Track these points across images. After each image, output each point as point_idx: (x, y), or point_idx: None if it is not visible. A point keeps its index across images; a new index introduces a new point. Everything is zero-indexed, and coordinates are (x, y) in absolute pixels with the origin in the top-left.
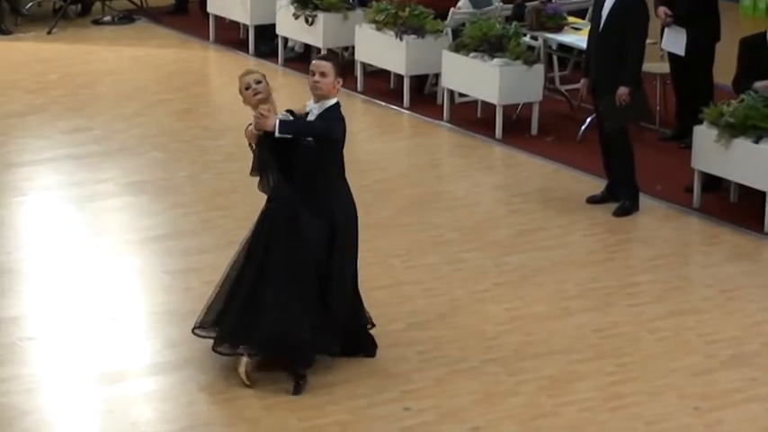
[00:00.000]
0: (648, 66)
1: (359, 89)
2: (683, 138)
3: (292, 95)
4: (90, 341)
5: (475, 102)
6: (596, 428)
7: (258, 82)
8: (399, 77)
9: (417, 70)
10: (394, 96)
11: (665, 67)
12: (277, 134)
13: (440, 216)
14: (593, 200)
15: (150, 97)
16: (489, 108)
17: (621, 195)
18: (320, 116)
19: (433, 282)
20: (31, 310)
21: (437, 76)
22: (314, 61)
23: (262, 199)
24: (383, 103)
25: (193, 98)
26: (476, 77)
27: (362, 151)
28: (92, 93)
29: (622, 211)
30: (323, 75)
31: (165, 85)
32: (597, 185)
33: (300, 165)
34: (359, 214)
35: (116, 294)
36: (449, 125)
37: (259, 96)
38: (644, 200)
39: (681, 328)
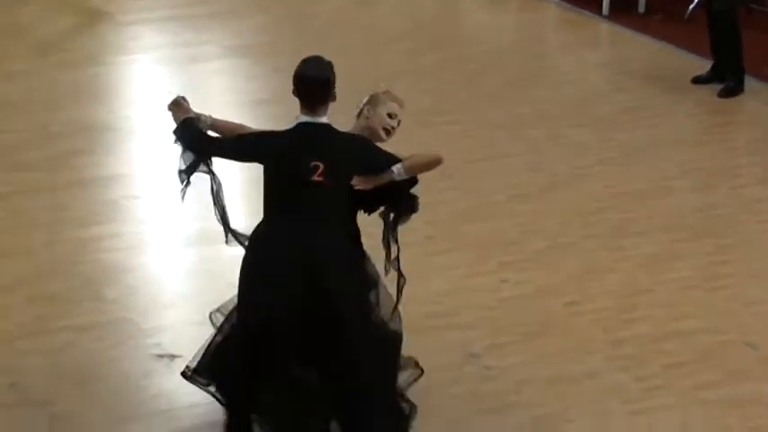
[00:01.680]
0: None
1: None
2: None
3: None
4: (191, 201)
5: None
6: (693, 307)
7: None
8: None
9: None
10: None
11: None
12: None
13: (544, 90)
14: (698, 80)
15: None
16: None
17: (727, 76)
18: None
19: (535, 155)
20: (135, 168)
21: None
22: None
23: (370, 66)
24: None
25: None
26: None
27: (469, 23)
28: None
29: (727, 93)
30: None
31: None
32: (703, 65)
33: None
34: (464, 86)
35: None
36: (556, 0)
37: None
38: (750, 82)
39: None
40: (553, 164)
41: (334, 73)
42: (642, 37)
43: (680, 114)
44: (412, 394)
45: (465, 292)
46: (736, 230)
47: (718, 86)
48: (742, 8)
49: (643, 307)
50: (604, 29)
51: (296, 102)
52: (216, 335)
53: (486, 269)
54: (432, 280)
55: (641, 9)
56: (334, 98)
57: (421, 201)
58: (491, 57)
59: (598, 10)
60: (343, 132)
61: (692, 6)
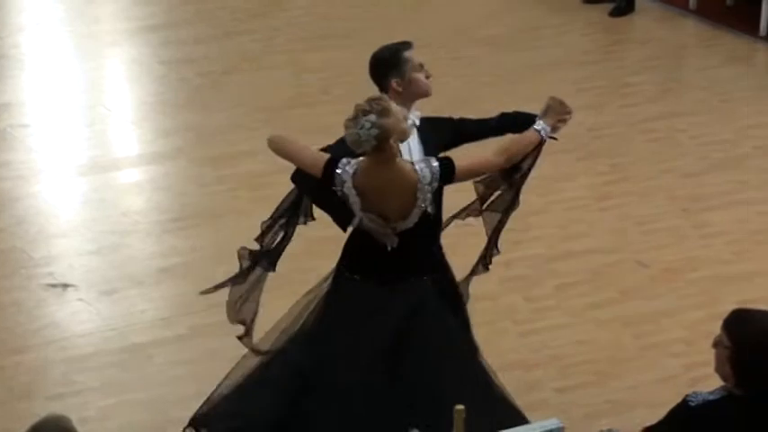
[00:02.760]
0: None
1: None
2: None
3: None
4: (83, 129)
5: None
6: (585, 227)
7: None
8: None
9: None
10: None
11: None
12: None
13: (437, 13)
14: (590, 0)
15: None
16: None
17: None
18: None
19: None
20: (24, 96)
21: None
22: None
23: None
24: None
25: None
26: None
27: None
28: None
29: (618, 12)
30: None
31: None
32: None
33: None
34: (361, 9)
35: (110, 83)
36: None
37: None
38: (640, 1)
39: (673, 129)
40: (448, 85)
41: (394, 56)
42: None
43: (572, 34)
44: None
45: None
46: (628, 149)
47: (610, 5)
48: None
49: (536, 228)
50: None
51: (194, 30)
52: None
53: None
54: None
55: None
56: (396, 87)
57: (315, 124)
58: None
59: None
60: None
61: None
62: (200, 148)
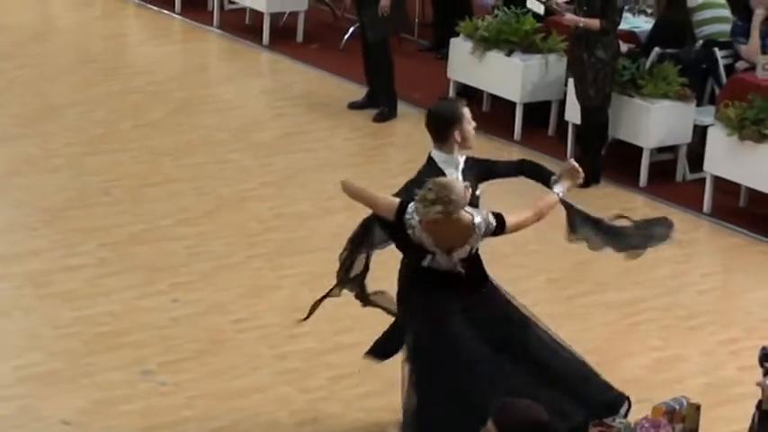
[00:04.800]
0: None
1: None
2: (439, 49)
3: None
4: None
5: (244, 9)
6: (353, 321)
7: None
8: None
9: None
10: (166, 0)
11: None
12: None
13: (208, 118)
14: (354, 105)
15: None
16: (257, 15)
17: (381, 102)
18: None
19: (201, 180)
20: None
21: None
22: None
23: (44, 96)
24: (155, 8)
25: None
26: None
27: (134, 55)
28: None
29: (381, 117)
30: None
31: None
32: (358, 92)
33: None
34: (131, 115)
35: None
36: (218, 31)
37: None
38: (402, 107)
39: None
40: (218, 188)
41: (454, 113)
42: (301, 65)
43: (338, 138)
44: (81, 412)
45: (137, 311)
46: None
47: (373, 111)
48: (394, 38)
49: (308, 322)
50: (265, 57)
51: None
52: None
53: (157, 289)
54: (104, 301)
55: (299, 39)
56: (457, 138)
57: (95, 225)
58: (156, 86)
59: (259, 40)
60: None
61: (346, 36)
62: None
